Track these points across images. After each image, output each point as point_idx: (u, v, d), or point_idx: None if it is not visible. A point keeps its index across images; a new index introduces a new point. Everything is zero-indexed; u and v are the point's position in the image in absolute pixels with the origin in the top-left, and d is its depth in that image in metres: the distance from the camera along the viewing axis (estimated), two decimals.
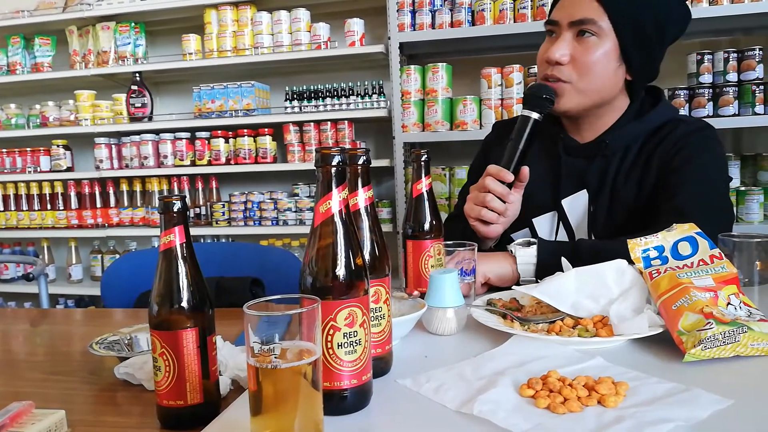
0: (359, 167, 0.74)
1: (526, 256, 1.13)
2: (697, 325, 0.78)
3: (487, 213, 1.17)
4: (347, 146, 2.79)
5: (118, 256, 3.19)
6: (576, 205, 1.29)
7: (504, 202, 1.17)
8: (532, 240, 1.16)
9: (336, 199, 0.66)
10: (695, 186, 1.16)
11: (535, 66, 2.47)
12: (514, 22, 2.49)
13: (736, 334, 0.76)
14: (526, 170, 1.18)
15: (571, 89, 1.21)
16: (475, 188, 1.21)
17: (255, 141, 3.00)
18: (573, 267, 0.96)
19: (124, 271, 1.63)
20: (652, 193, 1.21)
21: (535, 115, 1.20)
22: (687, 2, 1.26)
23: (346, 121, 2.84)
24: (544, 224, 1.32)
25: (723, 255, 0.89)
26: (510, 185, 1.18)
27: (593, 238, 1.26)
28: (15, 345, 1.14)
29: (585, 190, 1.27)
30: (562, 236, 1.30)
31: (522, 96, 2.51)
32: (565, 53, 1.19)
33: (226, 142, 3.03)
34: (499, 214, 1.17)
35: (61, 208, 3.30)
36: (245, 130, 2.99)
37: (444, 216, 1.36)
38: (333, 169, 0.65)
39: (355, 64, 3.01)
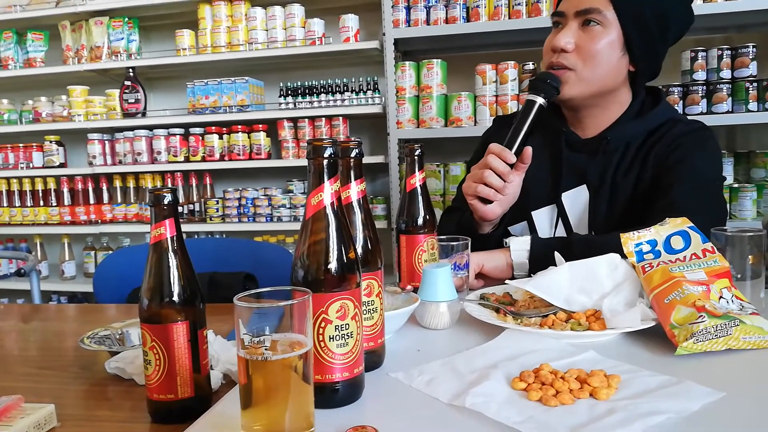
0: (351, 160, 0.74)
1: (520, 242, 1.15)
2: (689, 318, 0.78)
3: (484, 189, 1.16)
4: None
5: (111, 252, 3.17)
6: (576, 200, 1.29)
7: (503, 180, 1.16)
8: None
9: (328, 191, 0.65)
10: (689, 183, 1.17)
11: (529, 63, 2.50)
12: (509, 18, 2.49)
13: (728, 328, 0.76)
14: (528, 150, 1.17)
15: (574, 77, 1.22)
16: (475, 167, 1.21)
17: (249, 137, 2.99)
18: (566, 261, 0.97)
19: (116, 267, 1.62)
20: (649, 190, 1.22)
21: (540, 100, 1.20)
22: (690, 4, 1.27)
23: (340, 118, 2.83)
24: (544, 217, 1.32)
25: (715, 249, 0.89)
26: (511, 166, 1.18)
27: (593, 233, 1.26)
28: (6, 340, 1.13)
29: (585, 186, 1.28)
30: (561, 231, 1.31)
31: (516, 93, 2.52)
32: (570, 41, 1.21)
33: (220, 138, 3.02)
34: (497, 191, 1.16)
35: (54, 204, 3.28)
36: (239, 126, 2.98)
37: (438, 212, 1.35)
38: (325, 161, 0.65)
39: (350, 60, 3.01)
